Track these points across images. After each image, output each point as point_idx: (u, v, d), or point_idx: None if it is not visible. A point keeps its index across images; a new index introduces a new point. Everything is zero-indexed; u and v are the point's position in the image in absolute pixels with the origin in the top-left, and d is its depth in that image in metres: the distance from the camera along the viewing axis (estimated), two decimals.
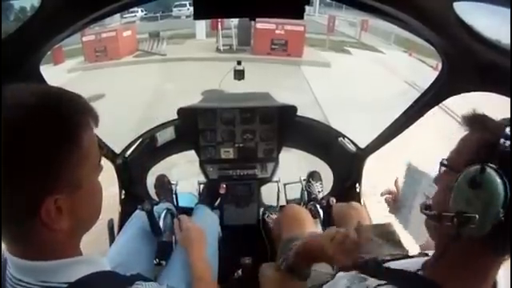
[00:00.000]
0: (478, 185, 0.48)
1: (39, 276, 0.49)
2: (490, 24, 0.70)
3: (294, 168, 2.03)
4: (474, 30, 0.69)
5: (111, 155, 1.52)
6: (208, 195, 1.78)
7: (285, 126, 1.69)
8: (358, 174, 1.65)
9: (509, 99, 0.65)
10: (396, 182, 1.04)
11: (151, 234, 1.17)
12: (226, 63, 1.93)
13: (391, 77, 7.98)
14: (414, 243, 0.91)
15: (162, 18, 20.03)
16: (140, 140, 1.65)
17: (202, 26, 12.02)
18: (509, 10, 0.56)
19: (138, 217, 1.20)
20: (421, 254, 0.73)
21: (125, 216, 1.45)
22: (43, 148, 0.44)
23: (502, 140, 0.48)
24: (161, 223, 1.23)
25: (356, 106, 5.02)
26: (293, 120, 1.67)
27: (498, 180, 0.47)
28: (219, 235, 1.36)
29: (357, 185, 1.67)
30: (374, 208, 1.58)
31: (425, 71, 7.73)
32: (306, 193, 1.83)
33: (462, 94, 0.88)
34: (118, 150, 1.58)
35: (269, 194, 1.91)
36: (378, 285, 0.57)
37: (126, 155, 1.61)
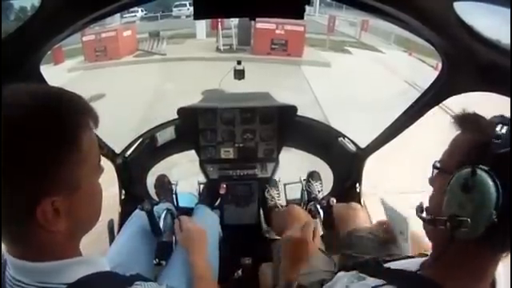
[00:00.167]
0: (469, 188, 0.48)
1: (38, 277, 0.48)
2: (490, 24, 0.70)
3: (294, 168, 2.03)
4: (474, 30, 0.69)
5: (111, 155, 1.52)
6: (208, 195, 1.78)
7: (285, 126, 1.68)
8: (358, 174, 1.65)
9: (509, 99, 0.65)
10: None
11: (151, 234, 1.17)
12: (226, 63, 1.93)
13: (391, 77, 7.98)
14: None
15: (162, 18, 20.06)
16: (140, 140, 1.65)
17: (202, 25, 12.03)
18: (509, 10, 0.56)
19: (138, 216, 1.20)
20: (421, 255, 0.73)
21: (125, 216, 1.44)
22: (41, 148, 0.44)
23: (493, 140, 0.48)
24: (161, 223, 1.23)
25: (356, 105, 5.02)
26: (293, 120, 1.67)
27: (490, 182, 0.47)
28: (219, 235, 1.36)
29: (357, 185, 1.67)
30: (374, 208, 1.58)
31: (425, 71, 7.71)
32: (305, 193, 1.83)
33: (463, 94, 0.88)
34: (118, 150, 1.58)
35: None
36: (377, 285, 0.57)
37: (126, 155, 1.61)
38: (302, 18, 0.79)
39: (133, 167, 1.63)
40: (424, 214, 0.59)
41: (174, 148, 1.78)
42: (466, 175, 0.48)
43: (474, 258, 0.52)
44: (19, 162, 0.43)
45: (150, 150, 1.67)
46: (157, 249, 1.21)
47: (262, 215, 1.86)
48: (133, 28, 11.83)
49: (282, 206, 1.82)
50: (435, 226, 0.54)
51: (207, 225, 1.23)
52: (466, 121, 0.55)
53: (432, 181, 0.60)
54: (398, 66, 8.81)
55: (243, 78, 1.50)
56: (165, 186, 1.80)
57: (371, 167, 1.65)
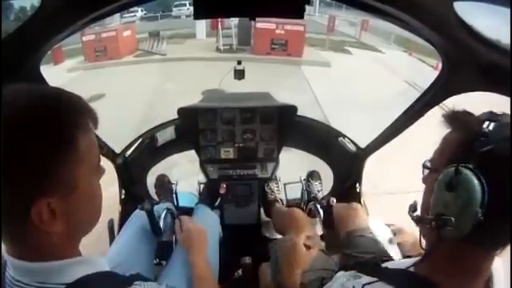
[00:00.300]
0: (454, 187, 0.48)
1: (37, 277, 0.48)
2: (490, 24, 0.70)
3: (294, 168, 2.03)
4: (474, 30, 0.69)
5: (111, 155, 1.52)
6: (208, 195, 1.78)
7: (285, 126, 1.68)
8: (358, 173, 1.65)
9: (509, 99, 0.65)
10: None
11: (151, 234, 1.17)
12: (226, 63, 1.93)
13: (391, 77, 7.97)
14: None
15: (162, 18, 20.05)
16: (140, 140, 1.65)
17: (202, 25, 12.02)
18: (509, 10, 0.56)
19: (138, 216, 1.20)
20: (420, 254, 0.73)
21: (125, 216, 1.45)
22: (37, 148, 0.43)
23: (479, 137, 0.48)
24: (161, 223, 1.23)
25: (356, 105, 5.01)
26: (293, 120, 1.67)
27: (475, 181, 0.46)
28: (220, 235, 1.36)
29: (357, 185, 1.67)
30: (374, 208, 1.58)
31: (425, 71, 7.72)
32: (306, 193, 1.83)
33: (463, 94, 0.88)
34: (118, 150, 1.58)
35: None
36: (370, 282, 0.58)
37: (126, 155, 1.61)
38: (301, 17, 0.79)
39: (133, 167, 1.63)
40: (416, 213, 0.59)
41: (173, 148, 1.78)
42: (451, 174, 0.48)
43: (464, 256, 0.52)
44: (15, 162, 0.42)
45: (149, 149, 1.67)
46: (157, 249, 1.21)
47: (262, 215, 1.86)
48: (133, 28, 11.83)
49: (281, 201, 1.83)
50: (422, 225, 0.54)
51: (207, 225, 1.23)
52: (455, 119, 0.55)
53: (424, 180, 0.60)
54: (397, 66, 8.81)
55: (243, 77, 1.50)
56: (165, 185, 1.80)
57: (371, 167, 1.65)
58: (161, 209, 1.33)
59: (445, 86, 0.95)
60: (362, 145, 1.59)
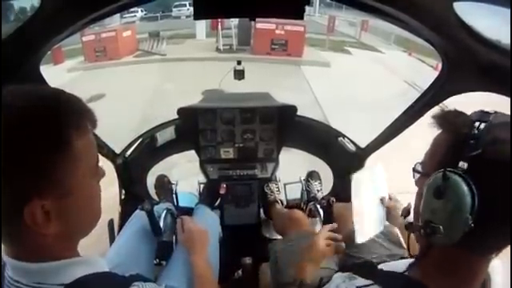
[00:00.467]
0: (441, 194, 0.46)
1: (35, 277, 0.48)
2: (490, 24, 0.69)
3: (294, 168, 2.03)
4: (474, 30, 0.68)
5: (111, 155, 1.52)
6: (208, 195, 1.78)
7: (285, 126, 1.68)
8: None
9: (509, 99, 0.65)
10: None
11: (151, 234, 1.17)
12: (226, 63, 1.93)
13: (391, 77, 7.98)
14: None
15: (162, 18, 20.06)
16: (140, 140, 1.65)
17: (202, 26, 12.03)
18: (509, 10, 0.56)
19: (138, 217, 1.20)
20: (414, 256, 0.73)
21: (125, 216, 1.45)
22: (33, 149, 0.43)
23: (468, 140, 0.46)
24: (161, 223, 1.23)
25: (356, 105, 5.02)
26: (293, 120, 1.67)
27: (464, 187, 0.44)
28: (220, 235, 1.36)
29: None
30: None
31: (425, 71, 7.73)
32: (305, 193, 1.83)
33: (463, 94, 0.88)
34: (118, 150, 1.58)
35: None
36: (364, 285, 0.57)
37: (126, 155, 1.61)
38: (301, 18, 0.79)
39: (133, 167, 1.63)
40: (410, 217, 0.58)
41: (173, 148, 1.78)
42: (439, 180, 0.47)
43: (456, 261, 0.50)
44: (10, 162, 0.42)
45: (150, 150, 1.67)
46: (157, 249, 1.21)
47: (262, 215, 1.86)
48: (132, 28, 11.83)
49: (281, 201, 1.83)
50: (412, 232, 0.53)
51: (208, 225, 1.23)
52: (445, 120, 0.52)
53: (416, 183, 0.59)
54: (397, 66, 8.82)
55: (243, 78, 1.50)
56: (165, 185, 1.80)
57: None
58: (161, 209, 1.33)
59: (445, 86, 0.95)
60: (362, 145, 1.60)
